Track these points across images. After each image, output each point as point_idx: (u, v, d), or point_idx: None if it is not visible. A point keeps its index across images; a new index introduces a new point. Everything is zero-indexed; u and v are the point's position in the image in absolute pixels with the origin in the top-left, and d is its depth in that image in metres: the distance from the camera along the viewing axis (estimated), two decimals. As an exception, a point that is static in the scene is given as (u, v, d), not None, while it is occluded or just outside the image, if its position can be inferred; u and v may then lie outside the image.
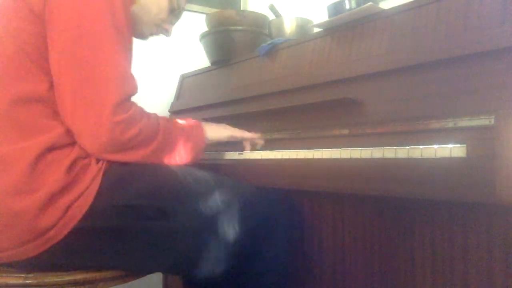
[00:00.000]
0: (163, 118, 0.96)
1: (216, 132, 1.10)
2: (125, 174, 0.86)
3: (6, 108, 0.82)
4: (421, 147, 0.74)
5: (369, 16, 1.08)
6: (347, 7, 1.18)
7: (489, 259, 0.79)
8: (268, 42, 1.38)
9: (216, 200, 0.90)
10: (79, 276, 0.83)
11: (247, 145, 1.17)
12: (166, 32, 1.12)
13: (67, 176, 0.80)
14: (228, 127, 1.14)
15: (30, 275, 0.81)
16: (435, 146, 0.72)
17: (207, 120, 1.37)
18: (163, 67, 1.90)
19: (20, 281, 0.80)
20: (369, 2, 1.08)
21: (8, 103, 0.82)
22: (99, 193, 0.81)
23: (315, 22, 1.26)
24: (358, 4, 1.15)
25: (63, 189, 0.79)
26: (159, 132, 0.90)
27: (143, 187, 0.86)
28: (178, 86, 1.82)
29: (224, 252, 0.88)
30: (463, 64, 0.83)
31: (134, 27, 0.98)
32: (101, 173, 0.83)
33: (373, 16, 1.07)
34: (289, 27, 1.49)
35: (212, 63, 1.64)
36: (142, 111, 0.89)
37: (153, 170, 0.89)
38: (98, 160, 0.85)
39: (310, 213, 1.13)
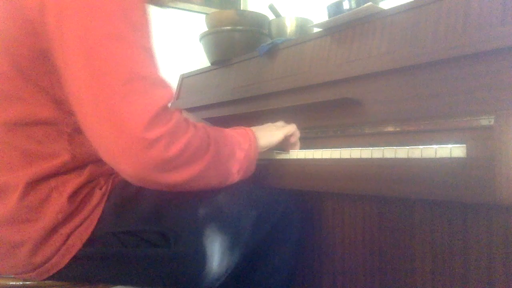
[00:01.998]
0: (212, 128, 0.82)
1: (268, 137, 0.94)
2: (126, 198, 0.81)
3: (3, 132, 0.75)
4: (421, 147, 0.74)
5: (369, 16, 1.08)
6: (347, 7, 1.17)
7: (489, 259, 0.79)
8: (268, 42, 1.38)
9: (221, 219, 0.82)
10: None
11: (295, 141, 1.02)
12: None
13: (71, 205, 0.75)
14: (278, 126, 0.99)
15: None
16: (435, 146, 0.72)
17: (207, 120, 1.37)
18: (163, 67, 1.89)
19: (20, 283, 0.79)
20: (369, 2, 1.08)
21: (5, 127, 0.75)
22: (100, 220, 0.77)
23: (315, 22, 1.26)
24: (358, 4, 1.15)
25: (66, 219, 0.75)
26: (210, 144, 0.76)
27: (144, 211, 0.80)
28: (178, 86, 1.82)
29: (227, 271, 0.83)
30: (463, 64, 0.83)
31: None
32: (104, 199, 0.78)
33: (373, 16, 1.07)
34: (289, 27, 1.49)
35: (212, 63, 1.63)
36: (187, 121, 0.75)
37: (155, 192, 0.80)
38: (102, 186, 0.79)
39: (310, 213, 1.13)
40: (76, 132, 0.76)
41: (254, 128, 0.93)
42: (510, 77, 0.76)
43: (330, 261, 1.08)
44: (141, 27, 0.70)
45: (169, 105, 0.71)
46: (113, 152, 0.66)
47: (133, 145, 0.65)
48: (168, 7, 0.95)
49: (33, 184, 0.74)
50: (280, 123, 1.02)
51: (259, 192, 0.92)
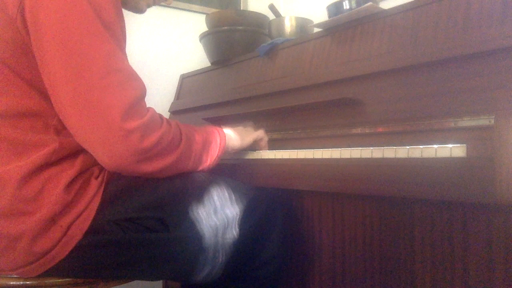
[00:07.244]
0: (185, 125, 0.89)
1: (239, 141, 1.05)
2: (124, 187, 0.83)
3: None
4: (421, 147, 0.74)
5: (369, 16, 1.08)
6: (347, 7, 1.18)
7: (489, 259, 0.79)
8: (268, 42, 1.38)
9: (215, 207, 0.88)
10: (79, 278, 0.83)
11: (264, 145, 1.13)
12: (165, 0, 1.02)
13: (67, 195, 0.75)
14: (248, 130, 1.09)
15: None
16: (435, 146, 0.72)
17: (207, 120, 1.37)
18: (163, 67, 1.90)
19: (20, 282, 0.79)
20: (369, 2, 1.08)
21: None
22: (99, 210, 0.78)
23: (315, 22, 1.26)
24: (358, 4, 1.15)
25: (63, 210, 0.75)
26: (182, 140, 0.84)
27: (142, 199, 0.83)
28: (178, 86, 1.82)
29: (223, 256, 0.88)
30: (463, 64, 0.83)
31: (128, 2, 0.92)
32: (101, 189, 0.80)
33: (373, 16, 1.07)
34: (289, 27, 1.49)
35: (212, 63, 1.64)
36: (161, 117, 0.81)
37: (152, 180, 0.85)
38: (97, 175, 0.81)
39: (310, 213, 1.13)
40: (62, 124, 0.78)
41: (226, 130, 1.02)
42: (510, 77, 0.76)
43: (330, 261, 1.08)
44: (112, 25, 0.75)
45: (144, 96, 0.77)
46: (91, 141, 0.72)
47: (110, 135, 0.70)
48: (143, 11, 0.99)
49: (27, 177, 0.75)
50: (250, 127, 1.14)
51: (247, 188, 0.98)
